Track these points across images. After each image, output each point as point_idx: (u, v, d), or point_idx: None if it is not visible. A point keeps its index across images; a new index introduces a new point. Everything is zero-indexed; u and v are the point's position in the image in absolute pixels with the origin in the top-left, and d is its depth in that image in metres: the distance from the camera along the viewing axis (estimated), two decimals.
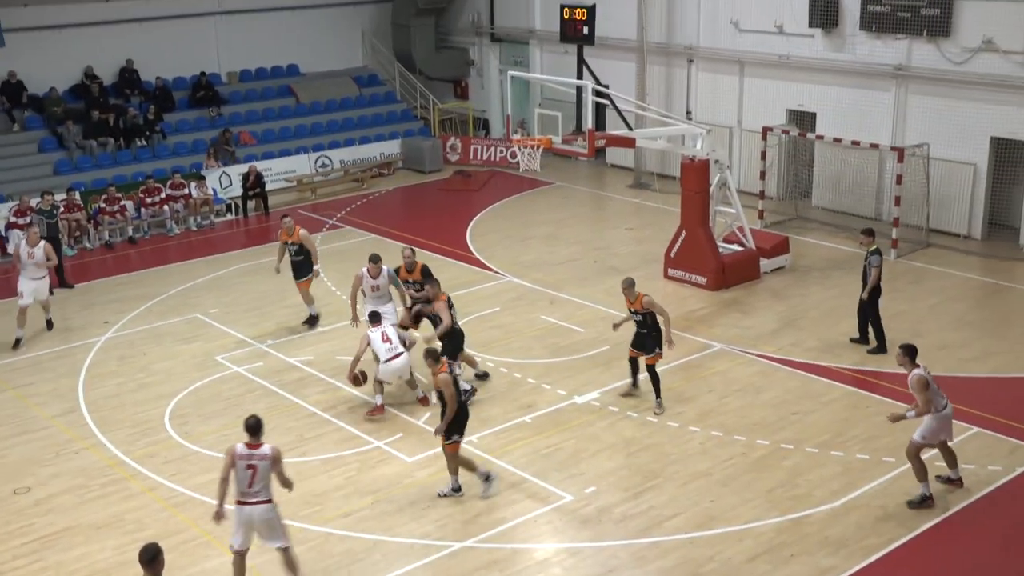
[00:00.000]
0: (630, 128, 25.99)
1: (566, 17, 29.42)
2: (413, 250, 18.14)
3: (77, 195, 25.20)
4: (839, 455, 14.54)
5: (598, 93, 21.73)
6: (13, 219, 24.13)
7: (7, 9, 27.29)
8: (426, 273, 17.31)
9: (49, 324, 19.82)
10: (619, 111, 27.12)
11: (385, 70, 35.69)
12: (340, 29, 34.64)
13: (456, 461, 13.66)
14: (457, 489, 13.78)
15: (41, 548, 12.78)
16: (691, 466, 14.37)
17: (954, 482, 13.61)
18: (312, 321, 19.72)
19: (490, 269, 22.64)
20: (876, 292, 17.73)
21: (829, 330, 18.89)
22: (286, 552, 11.54)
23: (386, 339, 15.80)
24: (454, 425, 13.44)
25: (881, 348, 17.76)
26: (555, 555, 12.55)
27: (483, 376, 17.12)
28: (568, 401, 16.38)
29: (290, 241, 19.39)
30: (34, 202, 23.96)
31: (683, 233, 21.32)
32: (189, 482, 14.26)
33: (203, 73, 31.12)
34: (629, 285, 15.82)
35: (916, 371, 13.00)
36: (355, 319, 17.54)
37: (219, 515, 11.33)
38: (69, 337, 19.52)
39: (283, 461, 11.46)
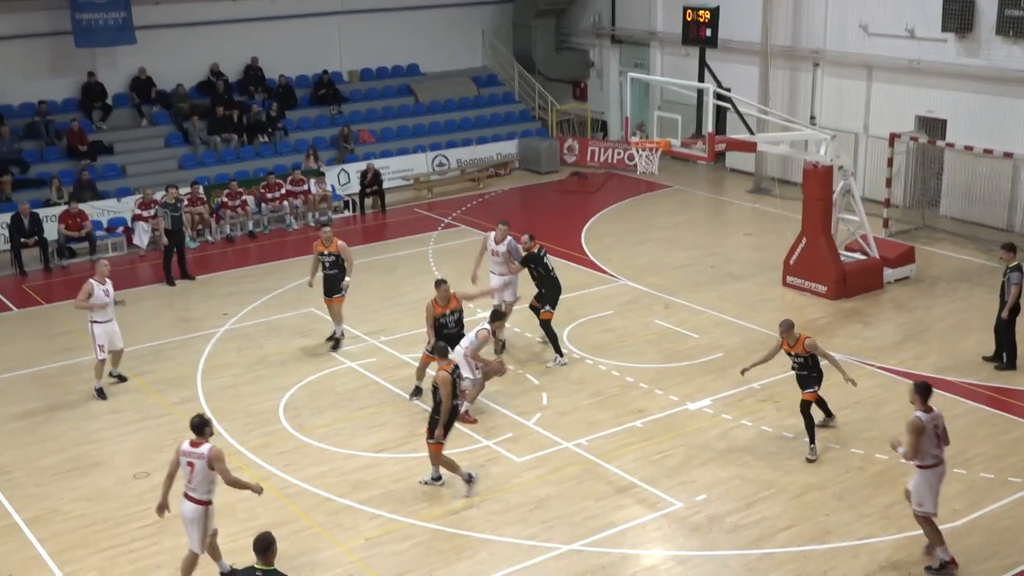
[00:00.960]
0: (751, 132, 25.71)
1: (688, 19, 29.19)
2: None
3: (201, 189, 25.99)
4: (962, 473, 14.15)
5: (720, 96, 21.51)
6: (138, 211, 24.97)
7: (139, 7, 28.24)
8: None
9: (121, 378, 17.67)
10: (741, 115, 26.85)
11: (504, 70, 35.92)
12: (460, 29, 34.98)
13: (439, 461, 13.93)
14: (437, 478, 14.09)
15: (157, 532, 13.17)
16: (806, 478, 14.14)
17: (947, 566, 12.07)
18: (336, 343, 18.81)
19: (604, 272, 22.61)
20: (1015, 310, 17.10)
21: (955, 345, 18.39)
22: (191, 556, 11.81)
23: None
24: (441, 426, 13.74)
25: (1011, 365, 17.23)
26: (663, 562, 12.47)
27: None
28: (680, 407, 16.26)
29: (326, 252, 18.35)
30: (158, 195, 24.79)
31: (804, 240, 20.99)
32: (300, 473, 14.56)
33: (325, 71, 31.75)
34: (788, 328, 14.50)
35: (916, 413, 11.85)
36: (474, 279, 18.40)
37: (161, 507, 11.84)
38: (189, 327, 20.10)
39: (224, 462, 11.57)
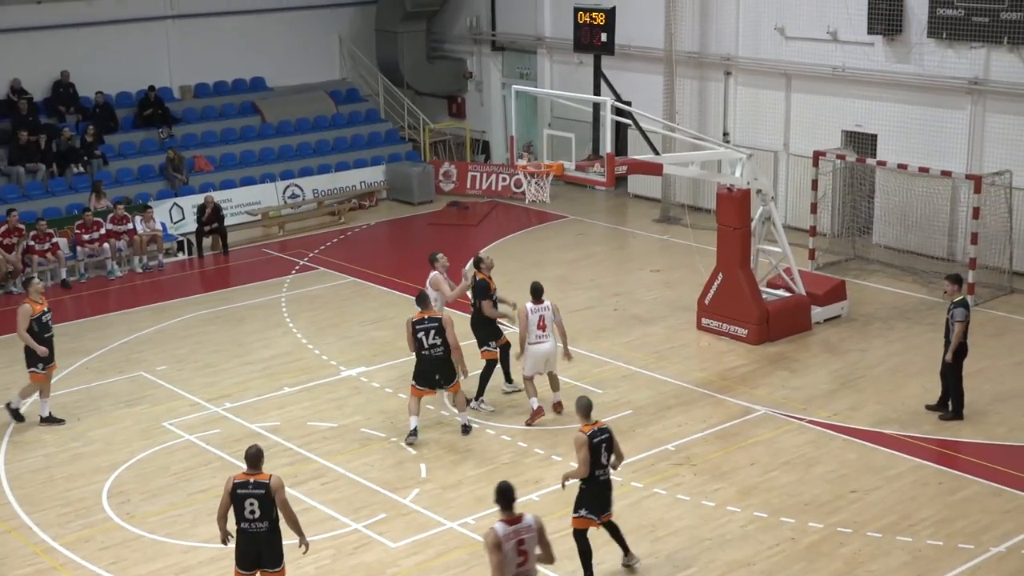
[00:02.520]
0: (656, 152, 26.11)
1: (581, 22, 29.53)
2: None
3: (15, 217, 25.57)
4: (906, 540, 14.49)
5: (619, 111, 21.84)
6: None
7: None
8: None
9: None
10: (643, 132, 27.26)
11: (367, 84, 36.00)
12: (314, 36, 34.98)
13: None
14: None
15: None
16: (730, 554, 14.32)
17: None
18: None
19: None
20: (962, 352, 17.61)
21: (894, 392, 18.89)
22: None
23: (542, 325, 17.82)
24: None
25: (957, 414, 17.75)
26: None
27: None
28: None
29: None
30: None
31: (720, 276, 21.34)
32: (130, 572, 14.26)
33: (152, 88, 31.37)
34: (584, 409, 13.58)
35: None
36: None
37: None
38: None
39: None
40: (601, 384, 19.42)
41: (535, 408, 17.93)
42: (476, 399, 18.64)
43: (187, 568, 14.33)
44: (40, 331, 18.20)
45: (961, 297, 17.55)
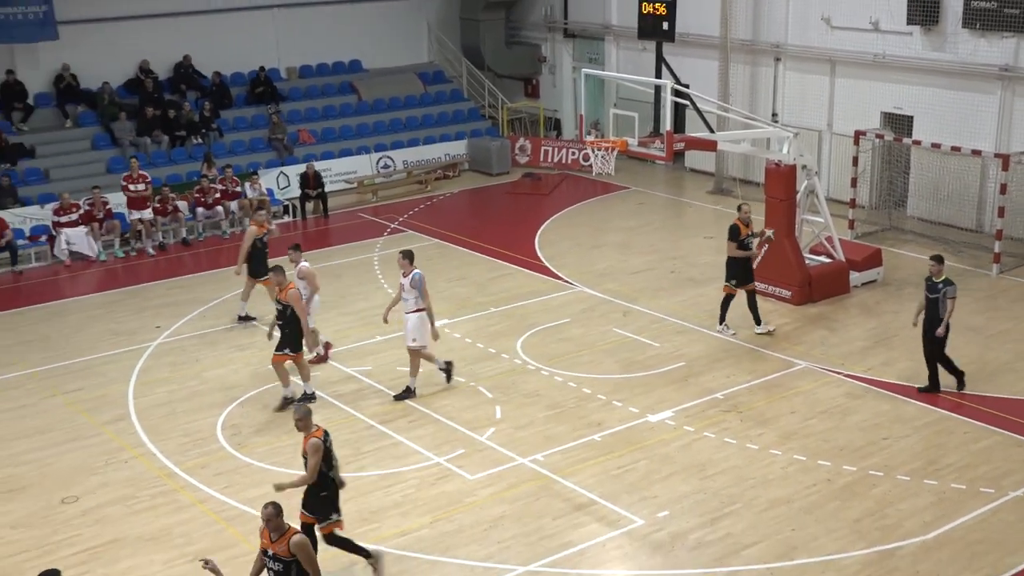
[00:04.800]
0: (711, 130, 25.92)
1: (644, 12, 29.42)
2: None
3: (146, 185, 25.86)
4: (932, 484, 14.39)
5: (678, 93, 21.69)
6: (55, 218, 24.76)
7: (62, 1, 27.92)
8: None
9: None
10: (700, 112, 27.06)
11: (452, 66, 35.99)
12: (405, 23, 35.01)
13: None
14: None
15: (89, 560, 13.08)
16: (771, 492, 14.31)
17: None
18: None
19: (560, 278, 22.73)
20: (947, 328, 16.69)
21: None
22: None
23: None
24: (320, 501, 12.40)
25: (962, 384, 17.09)
26: None
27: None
28: (641, 419, 16.39)
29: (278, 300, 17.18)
30: (82, 201, 24.62)
31: (767, 243, 21.20)
32: (240, 495, 14.52)
33: (262, 68, 31.63)
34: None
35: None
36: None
37: None
38: (119, 342, 19.93)
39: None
40: (658, 338, 19.41)
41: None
42: (720, 323, 19.41)
43: (288, 492, 14.52)
44: (261, 248, 20.21)
45: (946, 276, 16.77)
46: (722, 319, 19.40)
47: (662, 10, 28.94)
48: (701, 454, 15.33)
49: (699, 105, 26.18)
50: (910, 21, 25.23)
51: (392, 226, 26.96)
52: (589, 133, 23.98)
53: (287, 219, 27.85)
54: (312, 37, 33.11)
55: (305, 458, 12.18)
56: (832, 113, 27.68)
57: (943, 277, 16.64)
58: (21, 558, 13.15)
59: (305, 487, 12.24)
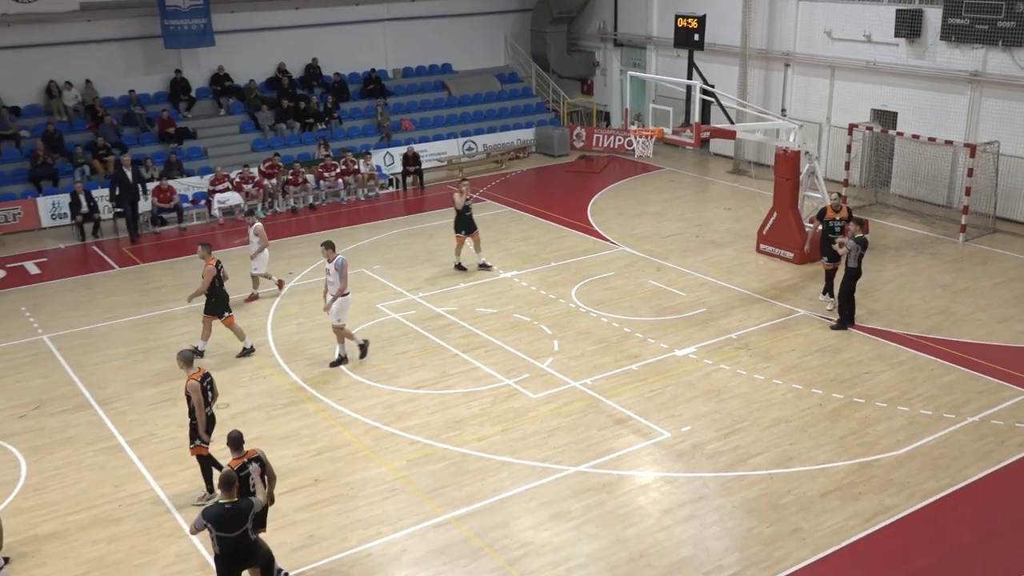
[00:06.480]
0: (732, 122, 25.51)
1: (680, 25, 28.96)
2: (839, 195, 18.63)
3: (279, 158, 26.28)
4: (905, 410, 14.17)
5: (705, 92, 21.38)
6: (211, 187, 25.07)
7: (218, 15, 28.17)
8: None
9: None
10: (723, 107, 26.64)
11: (523, 69, 35.68)
12: (487, 34, 34.74)
13: (203, 463, 12.24)
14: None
15: None
16: (774, 413, 14.19)
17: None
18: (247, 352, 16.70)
19: (606, 239, 22.58)
20: (855, 275, 16.69)
21: (901, 302, 18.33)
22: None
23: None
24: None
25: (845, 324, 16.88)
26: (654, 482, 12.57)
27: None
28: (669, 354, 16.29)
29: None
30: (234, 173, 24.86)
31: (775, 214, 20.90)
32: (353, 405, 14.70)
33: (373, 70, 31.60)
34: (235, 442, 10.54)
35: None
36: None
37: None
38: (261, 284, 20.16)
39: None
40: (685, 289, 19.23)
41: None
42: (824, 293, 18.07)
43: (391, 404, 14.73)
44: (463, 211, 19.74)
45: (860, 235, 16.61)
46: (825, 290, 18.17)
47: (694, 24, 28.49)
48: (717, 382, 15.22)
49: (722, 101, 25.78)
50: (897, 34, 24.52)
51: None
52: (633, 123, 23.69)
53: (391, 190, 27.90)
54: (413, 45, 32.98)
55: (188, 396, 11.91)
56: (831, 109, 27.03)
57: (859, 235, 16.59)
58: (184, 450, 13.13)
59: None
